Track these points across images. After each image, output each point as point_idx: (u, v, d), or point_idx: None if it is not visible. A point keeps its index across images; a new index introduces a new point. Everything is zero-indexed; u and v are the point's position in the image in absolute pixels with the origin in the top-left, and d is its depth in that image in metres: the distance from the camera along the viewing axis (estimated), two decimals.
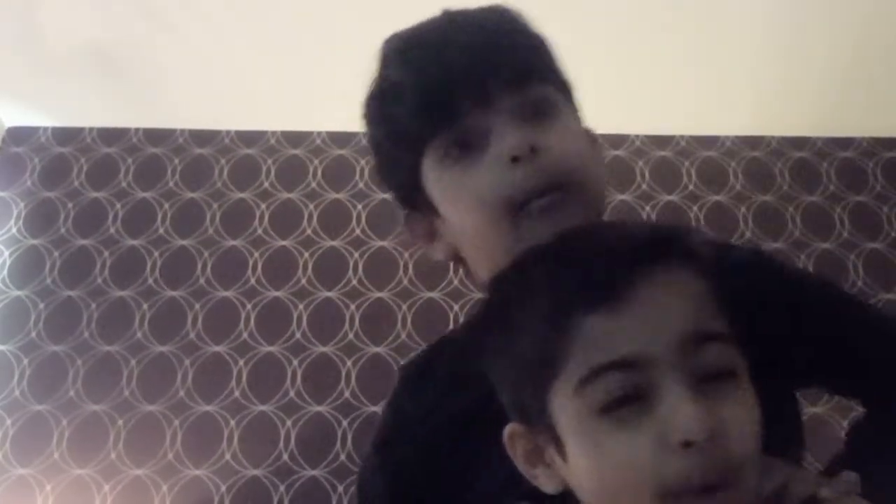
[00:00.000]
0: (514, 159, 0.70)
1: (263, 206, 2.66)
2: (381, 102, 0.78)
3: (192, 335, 2.46)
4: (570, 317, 0.56)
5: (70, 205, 2.67)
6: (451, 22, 0.77)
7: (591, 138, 0.80)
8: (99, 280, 2.55)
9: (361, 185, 2.69)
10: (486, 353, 0.63)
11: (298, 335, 2.45)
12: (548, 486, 0.60)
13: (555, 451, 0.58)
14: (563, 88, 0.79)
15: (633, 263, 0.56)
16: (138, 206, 2.67)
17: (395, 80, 0.76)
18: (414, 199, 0.78)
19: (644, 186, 2.67)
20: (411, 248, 2.57)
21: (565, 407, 0.56)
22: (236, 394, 2.38)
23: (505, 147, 0.70)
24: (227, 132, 2.79)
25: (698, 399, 0.53)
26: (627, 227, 0.63)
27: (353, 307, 2.49)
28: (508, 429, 0.61)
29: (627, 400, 0.54)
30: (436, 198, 0.76)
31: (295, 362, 2.42)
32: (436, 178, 0.74)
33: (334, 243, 2.59)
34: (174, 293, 2.53)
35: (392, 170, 0.80)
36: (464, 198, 0.73)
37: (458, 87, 0.72)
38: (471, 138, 0.72)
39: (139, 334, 2.47)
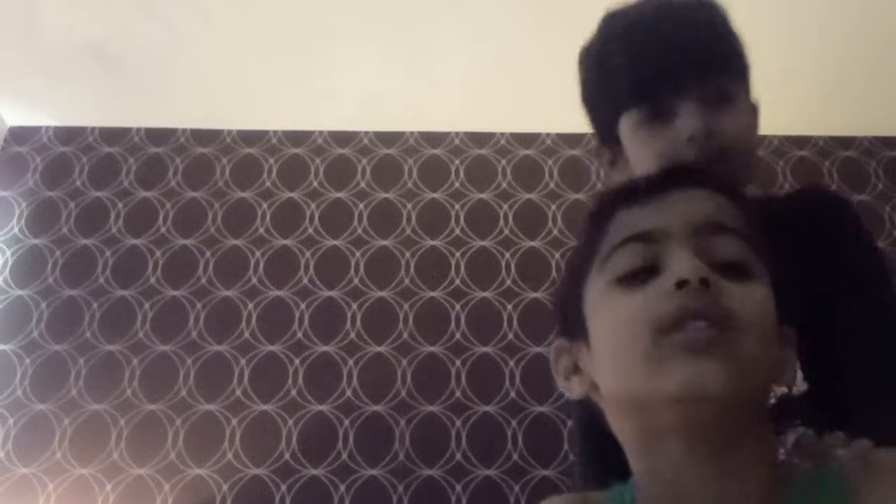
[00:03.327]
0: (691, 139, 0.88)
1: (265, 205, 2.66)
2: (601, 68, 0.97)
3: (193, 334, 2.46)
4: (608, 216, 0.65)
5: (72, 204, 2.68)
6: (665, 12, 0.94)
7: (754, 110, 0.99)
8: (101, 279, 2.55)
9: (363, 184, 2.69)
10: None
11: (300, 334, 2.46)
12: (577, 391, 0.66)
13: (586, 349, 0.64)
14: (743, 73, 0.96)
15: (669, 179, 0.65)
16: (140, 206, 2.67)
17: (616, 57, 0.94)
18: (608, 138, 0.98)
19: None
20: (412, 248, 2.58)
21: (591, 289, 0.64)
22: (238, 393, 2.38)
23: (688, 127, 0.89)
24: (229, 132, 2.79)
25: (702, 262, 0.58)
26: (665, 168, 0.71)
27: (354, 306, 2.49)
28: (554, 346, 0.68)
29: (641, 271, 0.60)
30: (626, 146, 0.95)
31: (296, 361, 2.42)
32: (630, 133, 0.94)
33: (336, 243, 2.60)
34: (176, 293, 2.53)
35: (596, 114, 1.01)
36: (647, 156, 0.92)
37: (662, 74, 0.91)
38: (663, 112, 0.91)
39: (141, 334, 2.47)
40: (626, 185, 0.67)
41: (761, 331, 0.58)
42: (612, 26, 0.96)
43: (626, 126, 0.94)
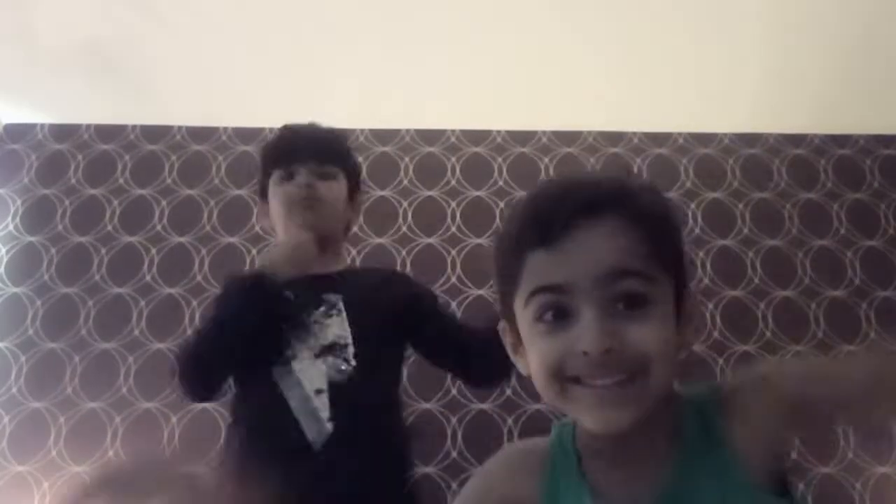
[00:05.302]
0: (304, 187, 1.55)
1: None
2: (266, 149, 1.67)
3: (189, 332, 2.46)
4: (522, 252, 0.75)
5: (67, 201, 2.67)
6: (317, 127, 1.65)
7: (353, 197, 1.65)
8: (96, 277, 2.55)
9: None
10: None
11: None
12: (522, 369, 0.81)
13: (522, 346, 0.79)
14: (347, 168, 1.63)
15: (571, 213, 0.73)
16: (136, 203, 2.67)
17: (273, 144, 1.68)
18: (264, 196, 1.63)
19: None
20: (408, 246, 2.58)
21: (520, 315, 0.77)
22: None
23: (300, 184, 1.54)
24: (225, 129, 2.78)
25: (606, 322, 0.70)
26: (577, 183, 0.79)
27: None
28: (500, 324, 0.84)
29: (556, 315, 0.73)
30: (269, 194, 1.59)
31: None
32: (272, 186, 1.59)
33: None
34: (171, 290, 2.53)
35: (261, 174, 1.65)
36: (276, 202, 1.56)
37: (292, 151, 1.58)
38: (289, 175, 1.56)
39: (136, 331, 2.47)
40: (530, 223, 0.75)
41: (663, 357, 0.71)
42: (282, 130, 1.65)
43: (272, 182, 1.57)
